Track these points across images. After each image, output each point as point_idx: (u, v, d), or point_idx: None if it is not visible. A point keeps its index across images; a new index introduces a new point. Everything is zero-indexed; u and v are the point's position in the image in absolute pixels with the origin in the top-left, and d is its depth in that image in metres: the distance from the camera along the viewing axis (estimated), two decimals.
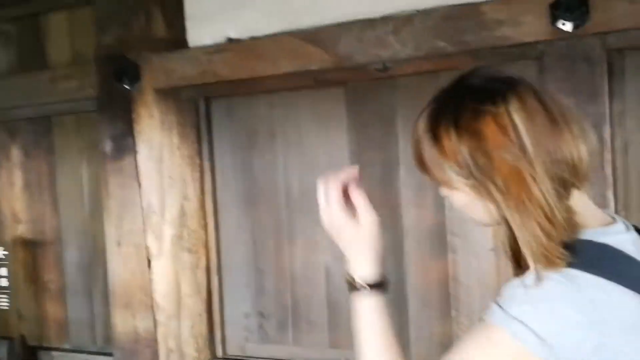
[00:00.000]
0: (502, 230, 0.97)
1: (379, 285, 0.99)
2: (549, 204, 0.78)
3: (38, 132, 3.06)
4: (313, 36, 2.29)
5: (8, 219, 3.13)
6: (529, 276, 0.80)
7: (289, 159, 2.56)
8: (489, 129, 0.80)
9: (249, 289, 2.66)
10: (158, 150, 2.64)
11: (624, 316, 0.75)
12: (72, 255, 3.00)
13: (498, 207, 0.83)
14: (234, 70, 2.46)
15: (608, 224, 0.87)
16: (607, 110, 1.89)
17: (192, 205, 2.64)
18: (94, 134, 2.86)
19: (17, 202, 3.11)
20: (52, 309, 3.05)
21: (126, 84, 2.64)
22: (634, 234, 0.86)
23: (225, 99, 2.67)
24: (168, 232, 2.63)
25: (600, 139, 1.83)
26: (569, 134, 0.82)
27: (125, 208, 2.69)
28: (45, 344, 3.05)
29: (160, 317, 2.65)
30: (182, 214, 2.63)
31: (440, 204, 2.24)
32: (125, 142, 2.68)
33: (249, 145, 2.64)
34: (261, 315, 2.65)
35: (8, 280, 2.94)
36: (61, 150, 3.01)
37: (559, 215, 0.79)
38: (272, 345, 2.62)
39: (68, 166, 2.99)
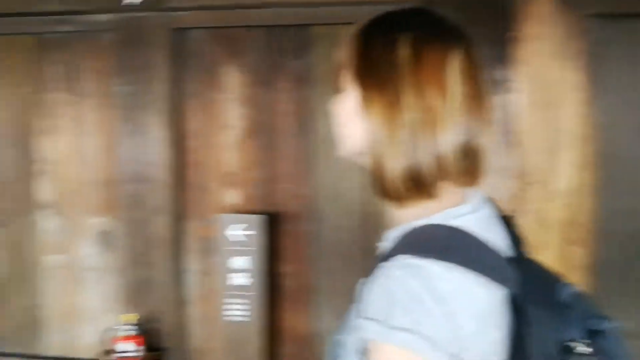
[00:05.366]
0: None
1: None
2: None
3: None
4: None
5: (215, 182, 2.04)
6: (377, 274, 0.74)
7: None
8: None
9: None
10: (548, 91, 1.74)
11: (476, 305, 0.72)
12: (331, 234, 1.99)
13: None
14: None
15: (457, 204, 0.79)
16: None
17: (585, 176, 1.78)
18: None
19: (231, 154, 2.03)
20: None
21: None
22: (484, 211, 0.80)
23: (626, 19, 1.82)
24: (557, 214, 1.75)
25: None
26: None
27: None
28: None
29: None
30: (577, 188, 1.76)
31: None
32: (495, 75, 1.75)
33: None
34: None
35: (252, 276, 1.87)
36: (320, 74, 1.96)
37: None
38: None
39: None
